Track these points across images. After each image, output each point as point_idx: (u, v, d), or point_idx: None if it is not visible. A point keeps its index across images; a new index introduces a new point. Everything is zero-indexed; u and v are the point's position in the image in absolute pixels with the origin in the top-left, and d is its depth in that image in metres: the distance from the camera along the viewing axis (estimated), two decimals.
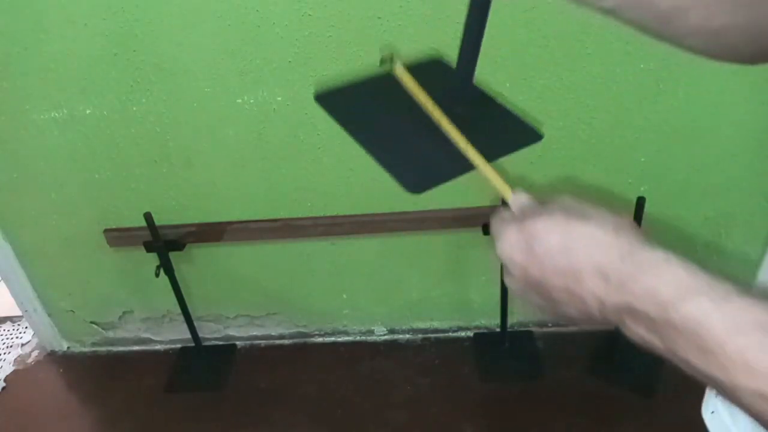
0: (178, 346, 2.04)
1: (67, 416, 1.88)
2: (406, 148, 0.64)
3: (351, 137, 0.63)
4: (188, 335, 1.92)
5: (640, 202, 1.51)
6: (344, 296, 1.92)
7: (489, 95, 0.72)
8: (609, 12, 0.56)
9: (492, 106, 0.72)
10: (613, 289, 0.43)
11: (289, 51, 1.46)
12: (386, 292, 1.90)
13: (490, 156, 0.60)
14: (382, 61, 0.62)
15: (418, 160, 0.62)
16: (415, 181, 0.60)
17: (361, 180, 1.66)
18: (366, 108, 0.69)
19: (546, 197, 0.51)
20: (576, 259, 0.45)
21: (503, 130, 0.69)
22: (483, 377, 1.80)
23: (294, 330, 2.01)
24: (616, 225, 0.46)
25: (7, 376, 2.01)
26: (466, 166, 0.60)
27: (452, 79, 0.71)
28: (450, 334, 1.96)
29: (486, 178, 0.57)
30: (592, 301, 0.45)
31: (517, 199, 0.53)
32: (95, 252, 1.83)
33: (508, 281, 0.51)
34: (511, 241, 0.48)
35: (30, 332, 2.14)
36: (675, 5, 0.53)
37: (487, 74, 1.48)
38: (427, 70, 0.77)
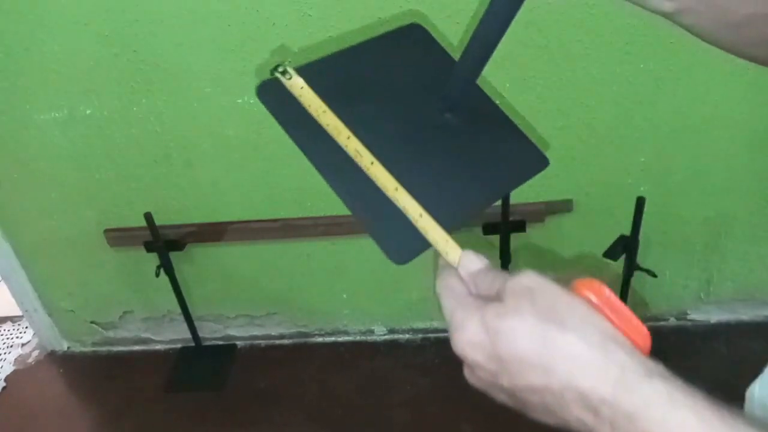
0: (179, 345, 2.04)
1: (68, 416, 1.88)
2: (379, 197, 0.50)
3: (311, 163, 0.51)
4: (188, 335, 1.92)
5: (640, 202, 1.51)
6: (344, 296, 1.92)
7: (491, 102, 0.59)
8: (667, 15, 0.50)
9: (491, 116, 0.58)
10: (605, 426, 0.36)
11: (289, 51, 1.46)
12: (386, 292, 1.90)
13: (485, 192, 0.51)
14: (275, 71, 0.50)
15: (398, 215, 0.50)
16: (399, 248, 0.49)
17: None
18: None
19: (499, 270, 0.44)
20: (556, 380, 0.37)
21: (504, 156, 0.55)
22: None
23: (294, 330, 2.01)
24: (603, 337, 0.37)
25: (7, 375, 2.01)
26: (457, 218, 0.49)
27: (448, 74, 0.56)
28: None
29: (423, 230, 0.46)
30: (578, 426, 0.38)
31: (468, 264, 0.45)
32: (96, 252, 1.83)
33: (468, 377, 0.43)
34: (471, 338, 0.40)
35: (30, 332, 2.14)
36: (751, 13, 0.49)
37: (487, 74, 1.48)
38: (402, 39, 0.59)
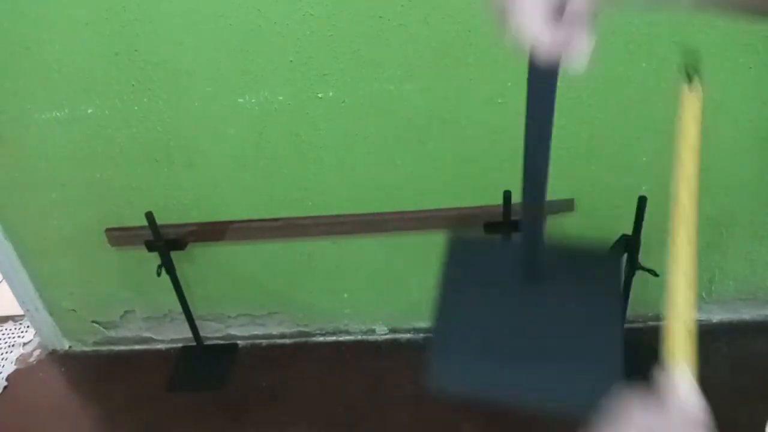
0: (180, 345, 2.04)
1: (69, 415, 1.88)
2: (472, 329, 0.47)
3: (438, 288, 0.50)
4: (190, 334, 1.92)
5: (641, 201, 1.51)
6: (345, 295, 1.92)
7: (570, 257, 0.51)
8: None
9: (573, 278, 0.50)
10: None
11: (290, 50, 1.46)
12: (387, 292, 1.90)
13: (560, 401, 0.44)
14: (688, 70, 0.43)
15: (470, 351, 0.46)
16: (442, 373, 0.46)
17: (362, 179, 1.66)
18: (481, 268, 0.52)
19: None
20: None
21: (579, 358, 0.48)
22: None
23: (295, 329, 2.01)
24: None
25: (8, 375, 2.01)
26: (510, 394, 0.44)
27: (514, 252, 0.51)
28: None
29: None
30: None
31: (682, 388, 0.40)
32: (97, 251, 1.83)
33: None
34: None
35: (32, 331, 2.14)
36: None
37: (489, 74, 1.48)
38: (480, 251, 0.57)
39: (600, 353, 0.46)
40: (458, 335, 0.47)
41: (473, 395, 0.45)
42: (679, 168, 0.40)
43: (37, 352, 2.10)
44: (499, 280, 0.50)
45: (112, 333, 2.05)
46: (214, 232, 1.76)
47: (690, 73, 0.40)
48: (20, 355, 2.09)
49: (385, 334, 1.99)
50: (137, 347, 2.07)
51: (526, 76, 0.41)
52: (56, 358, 2.08)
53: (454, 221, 1.68)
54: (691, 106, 0.40)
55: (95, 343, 2.09)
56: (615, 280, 0.51)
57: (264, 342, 2.02)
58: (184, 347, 2.03)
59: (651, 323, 1.87)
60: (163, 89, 1.53)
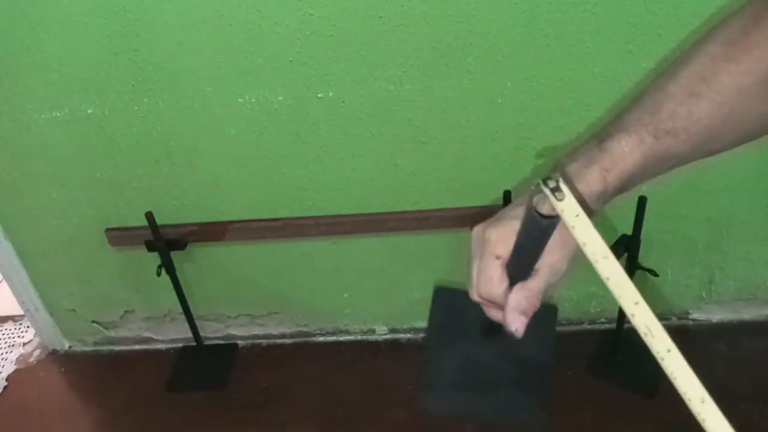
0: (180, 345, 2.04)
1: (69, 415, 1.88)
2: (448, 367, 0.66)
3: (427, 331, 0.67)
4: (190, 334, 1.92)
5: (642, 201, 1.51)
6: (345, 295, 1.92)
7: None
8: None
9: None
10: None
11: (290, 50, 1.46)
12: (387, 292, 1.90)
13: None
14: (545, 184, 0.44)
15: (447, 383, 0.66)
16: (428, 400, 0.65)
17: (362, 179, 1.66)
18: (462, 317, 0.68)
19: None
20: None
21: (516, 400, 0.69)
22: None
23: (295, 329, 2.01)
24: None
25: (9, 375, 2.01)
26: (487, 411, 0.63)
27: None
28: None
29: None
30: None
31: None
32: (97, 251, 1.83)
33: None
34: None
35: (32, 331, 2.14)
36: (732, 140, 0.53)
37: (489, 74, 1.48)
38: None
39: (530, 382, 0.67)
40: (439, 373, 0.68)
41: (451, 414, 0.66)
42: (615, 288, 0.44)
43: (37, 352, 2.10)
44: (469, 328, 0.68)
45: (112, 333, 2.06)
46: (214, 232, 1.76)
47: (550, 183, 0.42)
48: (20, 355, 2.09)
49: (385, 334, 1.99)
50: (137, 347, 2.07)
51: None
52: (56, 358, 2.08)
53: (454, 221, 1.68)
54: (570, 212, 0.41)
55: (95, 343, 2.09)
56: (551, 324, 0.71)
57: (264, 342, 2.02)
58: (184, 347, 2.03)
59: None
60: (163, 89, 1.53)
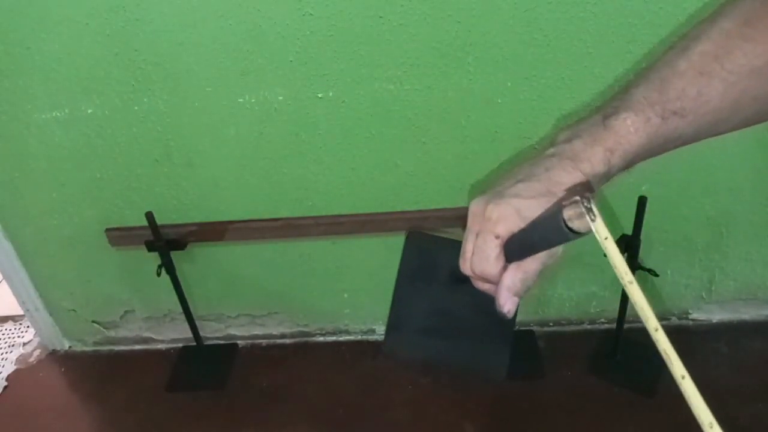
0: (180, 345, 2.04)
1: (69, 415, 1.88)
2: (417, 312, 0.68)
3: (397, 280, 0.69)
4: (190, 334, 1.92)
5: (642, 201, 1.51)
6: (345, 295, 1.92)
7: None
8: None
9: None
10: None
11: (290, 50, 1.46)
12: (387, 292, 1.89)
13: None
14: (583, 204, 0.45)
15: (414, 329, 0.67)
16: (393, 341, 0.66)
17: (362, 179, 1.66)
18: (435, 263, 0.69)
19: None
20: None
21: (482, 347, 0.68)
22: None
23: (295, 329, 2.01)
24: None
25: (8, 375, 2.01)
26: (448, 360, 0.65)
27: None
28: None
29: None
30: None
31: None
32: (97, 251, 1.83)
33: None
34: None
35: (32, 331, 2.14)
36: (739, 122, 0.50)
37: (489, 74, 1.48)
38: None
39: (496, 334, 0.66)
40: (407, 316, 0.69)
41: (415, 360, 0.66)
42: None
43: (37, 352, 2.10)
44: (440, 274, 0.68)
45: (112, 333, 2.06)
46: (214, 232, 1.76)
47: (585, 202, 0.44)
48: (20, 355, 2.09)
49: None
50: (137, 347, 2.07)
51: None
52: (56, 358, 2.08)
53: (454, 221, 1.68)
54: (601, 234, 0.43)
55: (95, 343, 2.09)
56: None
57: (264, 342, 2.02)
58: (184, 347, 2.03)
59: None
60: (163, 89, 1.53)
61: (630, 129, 0.47)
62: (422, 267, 0.71)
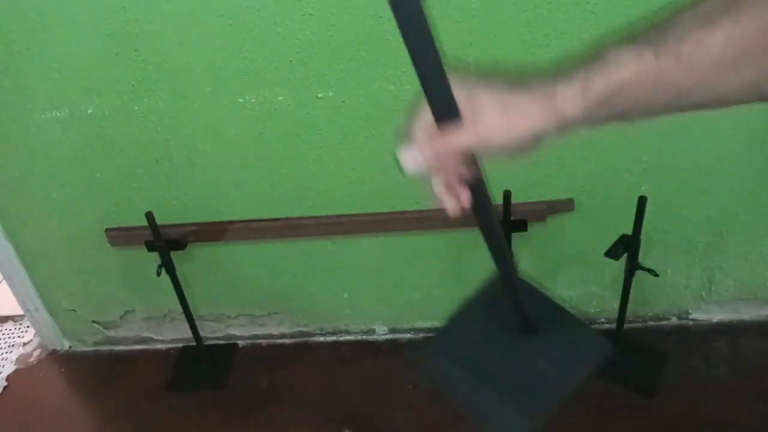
0: (180, 345, 2.04)
1: (69, 415, 1.88)
2: (464, 345, 0.67)
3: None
4: (190, 334, 1.92)
5: (642, 201, 1.51)
6: (345, 295, 1.92)
7: (542, 295, 0.69)
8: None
9: (553, 316, 0.69)
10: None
11: (290, 50, 1.46)
12: (387, 292, 1.90)
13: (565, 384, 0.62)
14: None
15: (455, 358, 0.66)
16: (430, 362, 0.66)
17: (362, 179, 1.66)
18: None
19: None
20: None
21: (568, 352, 0.67)
22: None
23: (295, 329, 2.01)
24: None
25: (9, 375, 2.01)
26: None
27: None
28: None
29: None
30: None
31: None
32: (97, 251, 1.83)
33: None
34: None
35: (32, 331, 2.14)
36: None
37: (488, 74, 1.47)
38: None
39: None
40: (456, 338, 0.67)
41: (438, 384, 0.64)
42: None
43: (37, 352, 2.10)
44: (504, 320, 0.66)
45: (112, 333, 2.06)
46: (214, 232, 1.76)
47: None
48: (20, 355, 2.09)
49: (385, 334, 1.99)
50: (137, 347, 2.07)
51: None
52: (56, 358, 2.08)
53: (454, 221, 1.68)
54: None
55: (95, 343, 2.09)
56: (590, 360, 0.69)
57: (264, 342, 2.02)
58: (184, 347, 2.03)
59: (651, 323, 1.87)
60: (163, 89, 1.53)
61: (620, 57, 0.47)
62: (490, 307, 0.69)
